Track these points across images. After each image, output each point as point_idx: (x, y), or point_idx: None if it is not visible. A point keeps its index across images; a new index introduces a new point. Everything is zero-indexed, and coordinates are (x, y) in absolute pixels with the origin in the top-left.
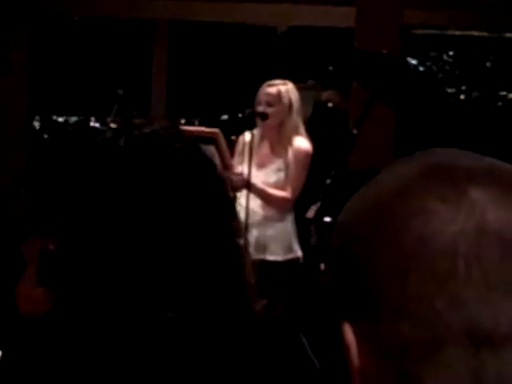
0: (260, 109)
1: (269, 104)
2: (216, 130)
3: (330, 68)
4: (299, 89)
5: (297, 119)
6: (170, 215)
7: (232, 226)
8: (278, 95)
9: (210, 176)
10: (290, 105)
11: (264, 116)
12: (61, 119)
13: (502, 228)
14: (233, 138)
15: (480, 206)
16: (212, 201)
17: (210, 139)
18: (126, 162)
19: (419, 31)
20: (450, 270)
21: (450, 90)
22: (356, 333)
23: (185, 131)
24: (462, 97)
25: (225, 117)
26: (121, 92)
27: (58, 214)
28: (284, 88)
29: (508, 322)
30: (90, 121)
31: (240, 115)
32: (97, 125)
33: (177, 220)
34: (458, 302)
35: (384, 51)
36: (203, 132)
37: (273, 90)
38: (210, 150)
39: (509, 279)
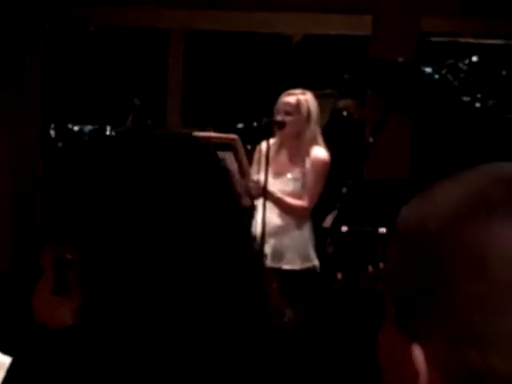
0: (278, 118)
1: (287, 113)
2: (235, 136)
3: (346, 76)
4: (316, 96)
5: (315, 129)
6: (183, 220)
7: (246, 234)
8: (297, 105)
9: (224, 186)
10: (309, 114)
11: (281, 125)
12: (76, 128)
13: None
14: (248, 146)
15: None
16: (221, 208)
17: (228, 145)
18: (138, 161)
19: (434, 39)
20: None
21: (465, 98)
22: (431, 357)
23: (204, 137)
24: (478, 105)
25: (240, 125)
26: (137, 102)
27: (74, 221)
28: (303, 97)
29: None
30: (105, 130)
31: (255, 124)
32: (113, 133)
33: (192, 226)
34: None
35: (400, 59)
36: (221, 138)
37: (291, 99)
38: (228, 156)
39: None
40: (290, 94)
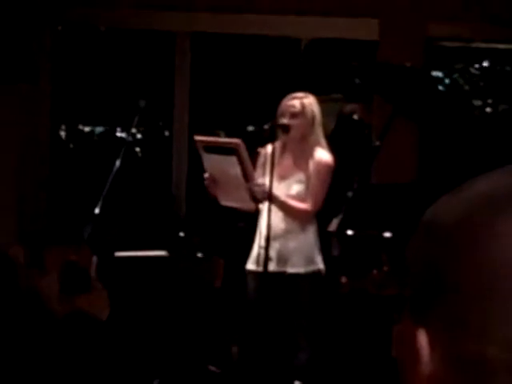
0: (284, 121)
1: (292, 116)
2: (238, 140)
3: (356, 81)
4: (323, 101)
5: (319, 132)
6: None
7: None
8: (302, 108)
9: None
10: (313, 118)
11: (286, 128)
12: (87, 129)
13: None
14: (259, 149)
15: None
16: None
17: (232, 150)
18: None
19: (445, 43)
20: None
21: (476, 103)
22: (432, 342)
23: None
24: (489, 110)
25: (250, 128)
26: (142, 103)
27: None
28: (307, 101)
29: None
30: (115, 131)
31: (267, 126)
32: (123, 135)
33: None
34: None
35: (407, 64)
36: (225, 143)
37: (296, 102)
38: (232, 160)
39: None
40: (293, 98)
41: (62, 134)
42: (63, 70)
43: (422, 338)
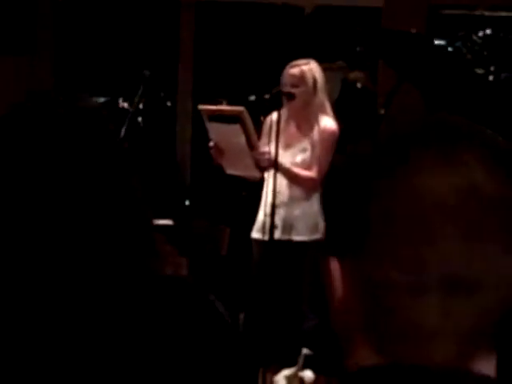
0: (286, 90)
1: (294, 85)
2: (241, 108)
3: (358, 49)
4: (327, 69)
5: (322, 98)
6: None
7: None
8: (302, 76)
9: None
10: (315, 84)
11: (291, 96)
12: None
13: (486, 187)
14: (261, 118)
15: (471, 167)
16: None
17: (236, 118)
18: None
19: (448, 11)
20: (438, 223)
21: (478, 71)
22: (344, 268)
23: (210, 110)
24: (491, 78)
25: (252, 97)
26: (147, 73)
27: None
28: (307, 68)
29: (481, 269)
30: (117, 101)
31: (268, 96)
32: (125, 105)
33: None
34: (443, 253)
35: (413, 30)
36: (228, 111)
37: (296, 70)
38: (236, 128)
39: (488, 232)
40: (293, 66)
41: None
42: (64, 40)
43: (334, 267)
